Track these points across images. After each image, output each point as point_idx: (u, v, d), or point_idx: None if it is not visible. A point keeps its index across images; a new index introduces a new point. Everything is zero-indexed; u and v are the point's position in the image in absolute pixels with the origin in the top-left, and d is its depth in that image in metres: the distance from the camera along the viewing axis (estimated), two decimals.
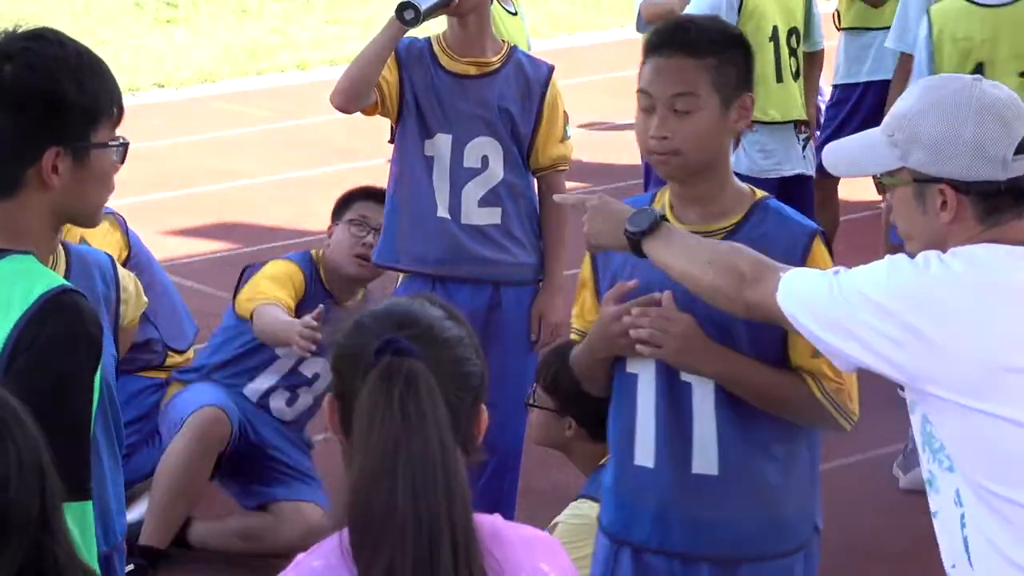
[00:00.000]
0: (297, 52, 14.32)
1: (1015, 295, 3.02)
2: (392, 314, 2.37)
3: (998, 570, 2.97)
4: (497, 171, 5.15)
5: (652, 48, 3.54)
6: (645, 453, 3.56)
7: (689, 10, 6.67)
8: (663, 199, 3.54)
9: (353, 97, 5.08)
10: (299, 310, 5.49)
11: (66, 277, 3.06)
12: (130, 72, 13.29)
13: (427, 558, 2.20)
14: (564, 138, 5.22)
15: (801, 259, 3.43)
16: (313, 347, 4.95)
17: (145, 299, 4.03)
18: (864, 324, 2.97)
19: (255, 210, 9.67)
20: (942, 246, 3.05)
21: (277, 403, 5.75)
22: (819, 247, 3.51)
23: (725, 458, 3.48)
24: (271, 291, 5.47)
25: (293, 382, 5.72)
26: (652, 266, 3.35)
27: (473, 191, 5.16)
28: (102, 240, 5.60)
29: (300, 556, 2.35)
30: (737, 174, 3.68)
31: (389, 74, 5.08)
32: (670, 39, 3.51)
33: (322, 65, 13.81)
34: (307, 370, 5.71)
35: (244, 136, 11.59)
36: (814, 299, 3.07)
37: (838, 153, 3.23)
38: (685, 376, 3.49)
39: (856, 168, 3.23)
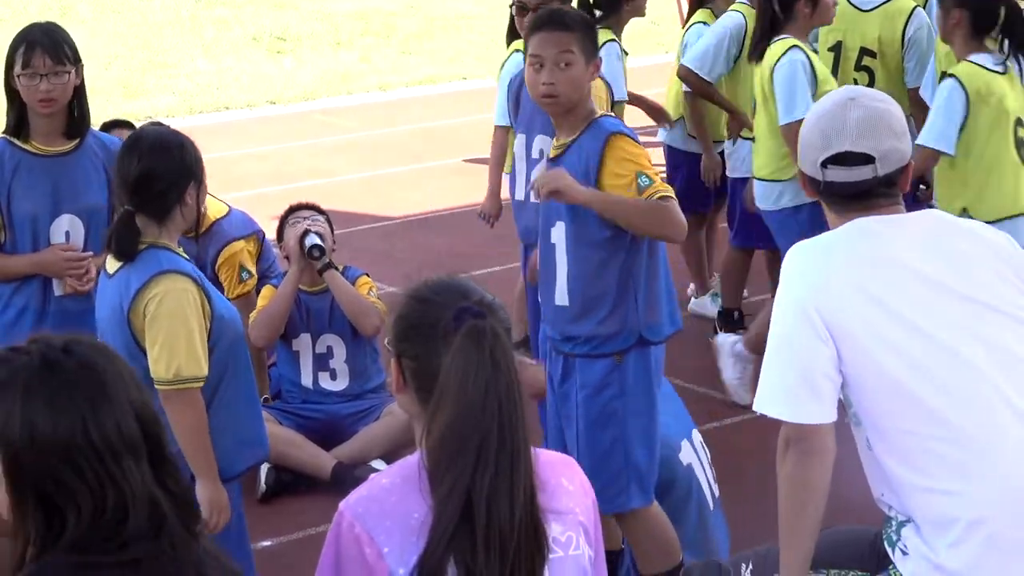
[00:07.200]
0: (380, 76, 14.78)
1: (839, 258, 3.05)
2: (451, 288, 2.45)
3: (910, 493, 3.03)
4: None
5: (536, 27, 4.09)
6: (562, 295, 4.28)
7: (702, 44, 6.70)
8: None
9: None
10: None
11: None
12: (249, 92, 14.10)
13: (509, 473, 2.31)
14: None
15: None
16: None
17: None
18: None
19: (347, 200, 9.90)
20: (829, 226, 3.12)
21: (326, 383, 5.92)
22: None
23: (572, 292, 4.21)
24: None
25: (321, 363, 5.92)
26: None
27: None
28: (244, 241, 6.06)
29: (373, 476, 2.46)
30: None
31: None
32: (549, 20, 4.09)
33: (400, 87, 14.40)
34: (321, 347, 5.90)
35: (338, 142, 11.98)
36: None
37: None
38: (554, 238, 4.19)
39: None
